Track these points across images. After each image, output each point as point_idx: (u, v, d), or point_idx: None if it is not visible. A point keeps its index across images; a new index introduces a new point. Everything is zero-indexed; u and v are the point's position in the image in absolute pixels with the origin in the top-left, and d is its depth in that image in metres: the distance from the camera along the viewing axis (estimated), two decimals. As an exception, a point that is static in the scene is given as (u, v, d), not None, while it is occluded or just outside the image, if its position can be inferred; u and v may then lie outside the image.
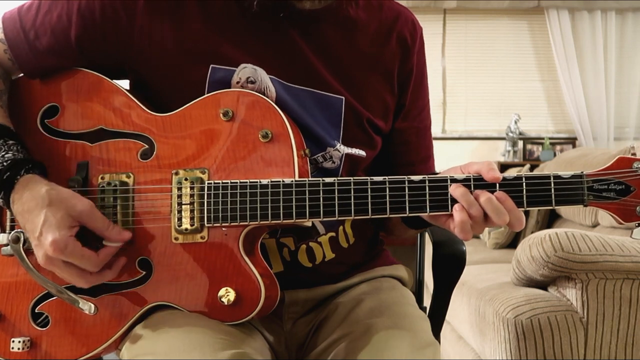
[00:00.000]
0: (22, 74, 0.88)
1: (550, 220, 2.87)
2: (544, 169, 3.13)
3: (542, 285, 1.59)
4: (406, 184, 0.75)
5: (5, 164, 0.76)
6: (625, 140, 4.47)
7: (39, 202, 0.73)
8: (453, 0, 4.39)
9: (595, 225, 2.36)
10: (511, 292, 1.60)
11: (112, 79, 0.86)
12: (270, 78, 0.85)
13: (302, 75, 0.87)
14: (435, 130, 4.48)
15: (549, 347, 1.43)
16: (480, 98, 4.59)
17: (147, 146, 0.82)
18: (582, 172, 0.73)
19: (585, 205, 0.74)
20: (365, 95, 0.91)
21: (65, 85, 0.86)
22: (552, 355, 1.42)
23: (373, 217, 0.76)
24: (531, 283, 1.61)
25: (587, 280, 1.42)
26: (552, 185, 0.73)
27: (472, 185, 0.74)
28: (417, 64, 0.98)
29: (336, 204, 0.76)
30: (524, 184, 0.74)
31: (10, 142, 0.79)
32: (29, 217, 0.74)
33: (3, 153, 0.77)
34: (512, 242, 2.95)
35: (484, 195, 0.73)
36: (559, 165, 2.86)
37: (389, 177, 0.76)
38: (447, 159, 4.40)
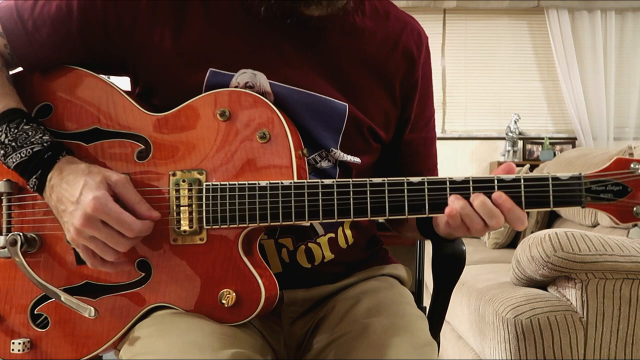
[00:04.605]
0: (19, 71, 0.87)
1: (550, 220, 2.87)
2: (543, 169, 3.12)
3: (542, 285, 1.59)
4: (405, 186, 0.75)
5: (45, 144, 0.78)
6: (625, 140, 4.47)
7: (79, 173, 0.76)
8: (453, 0, 4.39)
9: (595, 225, 2.36)
10: (511, 292, 1.60)
11: (114, 75, 0.86)
12: (270, 83, 0.84)
13: (305, 80, 0.86)
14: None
15: (548, 347, 1.42)
16: (480, 98, 4.58)
17: (143, 146, 0.81)
18: (580, 174, 0.73)
19: (583, 207, 0.73)
20: (367, 104, 0.91)
21: (58, 84, 0.85)
22: (552, 355, 1.42)
23: (372, 218, 0.75)
24: (531, 283, 1.61)
25: (586, 280, 1.42)
26: (550, 186, 0.73)
27: (470, 187, 0.74)
28: (423, 75, 0.97)
29: (335, 206, 0.75)
30: (522, 185, 0.73)
31: (42, 126, 0.81)
32: (66, 187, 0.75)
33: (40, 135, 0.79)
34: (512, 242, 2.95)
35: (477, 199, 0.73)
36: (558, 165, 2.86)
37: (388, 178, 0.75)
38: (446, 158, 4.42)
